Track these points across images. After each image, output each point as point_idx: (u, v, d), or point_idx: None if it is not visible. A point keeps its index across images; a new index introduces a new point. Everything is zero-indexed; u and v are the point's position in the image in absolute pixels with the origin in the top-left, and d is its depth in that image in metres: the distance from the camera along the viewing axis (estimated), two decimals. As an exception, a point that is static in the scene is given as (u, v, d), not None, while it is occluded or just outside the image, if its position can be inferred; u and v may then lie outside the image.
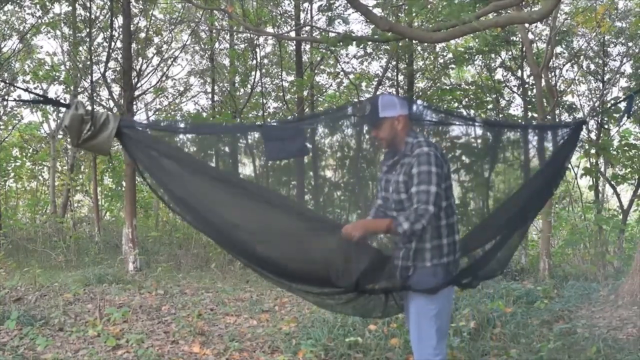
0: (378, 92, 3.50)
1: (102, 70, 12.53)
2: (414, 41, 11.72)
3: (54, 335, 5.65)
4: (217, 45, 15.91)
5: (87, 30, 13.44)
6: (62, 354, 5.09)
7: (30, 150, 17.43)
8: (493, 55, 14.17)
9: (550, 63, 12.13)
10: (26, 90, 13.55)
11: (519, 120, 14.19)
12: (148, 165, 3.62)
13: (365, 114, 3.55)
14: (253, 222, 3.72)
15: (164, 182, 3.63)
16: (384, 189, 3.47)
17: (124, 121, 3.52)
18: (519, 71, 13.82)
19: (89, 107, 3.41)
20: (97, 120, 3.33)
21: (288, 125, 4.66)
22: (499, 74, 14.89)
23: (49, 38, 14.72)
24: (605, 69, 13.72)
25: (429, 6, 9.76)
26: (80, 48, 14.04)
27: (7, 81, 13.69)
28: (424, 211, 3.14)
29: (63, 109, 3.52)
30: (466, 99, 15.37)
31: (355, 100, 15.76)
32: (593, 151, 11.56)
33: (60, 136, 15.88)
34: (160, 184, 3.66)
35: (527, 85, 13.60)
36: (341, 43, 6.29)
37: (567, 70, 14.09)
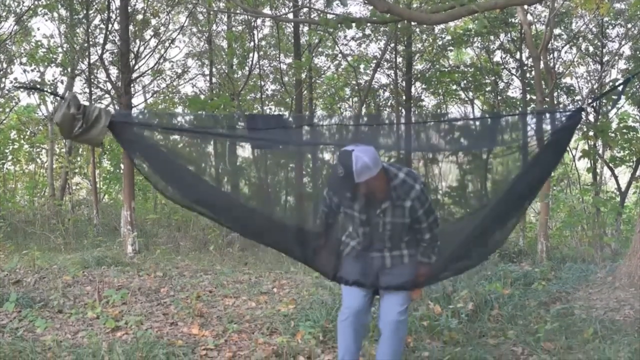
0: (349, 147, 3.28)
1: (99, 52, 12.46)
2: (412, 23, 11.65)
3: (53, 317, 5.66)
4: (214, 27, 15.84)
5: (84, 12, 13.35)
6: (62, 335, 5.10)
7: (28, 133, 17.36)
8: (492, 37, 14.11)
9: (549, 45, 12.08)
10: (22, 84, 13.41)
11: (518, 103, 14.18)
12: (141, 157, 3.67)
13: (339, 174, 3.30)
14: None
15: (158, 171, 3.68)
16: (364, 224, 3.57)
17: (116, 116, 3.49)
18: (518, 53, 13.77)
19: (83, 102, 3.35)
20: (89, 117, 3.27)
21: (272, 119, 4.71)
22: (498, 56, 14.87)
23: (46, 20, 14.58)
24: (604, 50, 13.69)
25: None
26: (78, 30, 13.93)
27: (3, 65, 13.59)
28: (437, 236, 3.64)
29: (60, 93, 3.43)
30: (465, 81, 15.34)
31: (354, 82, 15.76)
32: (591, 133, 11.55)
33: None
34: (155, 172, 3.70)
35: (525, 67, 13.57)
36: (339, 25, 6.24)
37: (565, 52, 14.09)
